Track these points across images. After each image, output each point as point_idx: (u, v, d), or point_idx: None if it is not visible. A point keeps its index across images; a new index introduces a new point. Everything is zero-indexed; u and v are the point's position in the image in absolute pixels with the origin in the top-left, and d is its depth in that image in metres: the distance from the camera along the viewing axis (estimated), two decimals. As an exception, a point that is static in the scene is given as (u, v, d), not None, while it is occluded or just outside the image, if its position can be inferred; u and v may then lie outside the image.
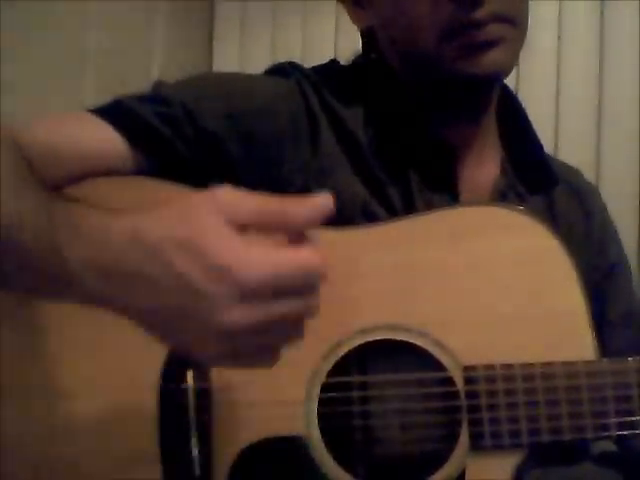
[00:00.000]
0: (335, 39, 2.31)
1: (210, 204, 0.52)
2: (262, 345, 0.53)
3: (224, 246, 0.50)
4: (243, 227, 0.51)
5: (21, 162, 0.63)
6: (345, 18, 0.88)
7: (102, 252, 0.54)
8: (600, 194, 0.94)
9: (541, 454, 0.70)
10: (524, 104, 0.89)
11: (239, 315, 0.50)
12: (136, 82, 0.84)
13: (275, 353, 0.55)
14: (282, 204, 0.53)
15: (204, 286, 0.50)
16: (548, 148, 0.88)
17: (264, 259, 0.50)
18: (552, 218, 0.84)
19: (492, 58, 0.74)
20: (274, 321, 0.51)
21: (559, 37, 2.09)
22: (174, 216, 0.53)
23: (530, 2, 0.78)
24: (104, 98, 0.77)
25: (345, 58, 0.88)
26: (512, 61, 0.76)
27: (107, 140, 0.73)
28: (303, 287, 0.52)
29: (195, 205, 0.52)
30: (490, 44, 0.73)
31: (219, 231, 0.51)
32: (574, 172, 0.93)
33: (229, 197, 0.52)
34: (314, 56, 0.89)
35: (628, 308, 0.87)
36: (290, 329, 0.54)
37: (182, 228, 0.51)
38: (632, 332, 0.85)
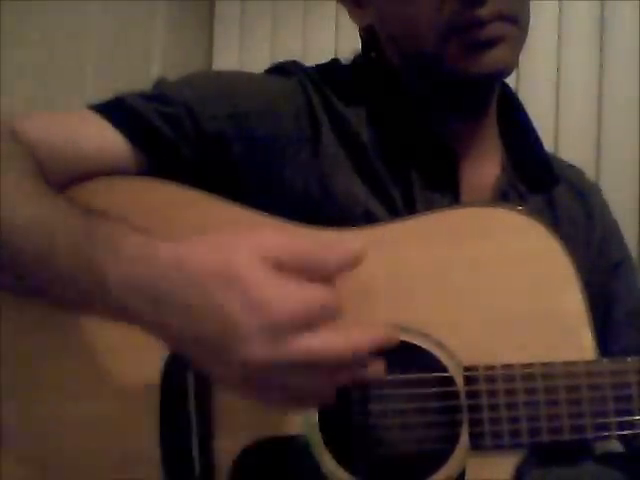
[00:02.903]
0: (335, 39, 2.31)
1: (252, 243, 0.56)
2: (282, 387, 0.56)
3: (262, 282, 0.55)
4: (279, 266, 0.56)
5: (41, 179, 0.66)
6: (345, 18, 0.87)
7: (145, 272, 0.57)
8: (602, 192, 0.93)
9: (541, 454, 0.70)
10: (524, 104, 0.88)
11: (264, 351, 0.54)
12: (136, 82, 0.83)
13: (296, 401, 0.58)
14: (317, 250, 0.58)
15: (240, 318, 0.54)
16: (548, 147, 0.88)
17: (298, 295, 0.55)
18: (554, 217, 0.84)
19: (495, 56, 0.74)
20: (297, 364, 0.55)
21: (559, 37, 2.09)
22: (218, 251, 0.56)
23: (530, 2, 0.78)
24: (104, 98, 0.77)
25: (345, 58, 0.88)
26: (514, 59, 0.76)
27: (108, 140, 0.73)
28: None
29: (238, 243, 0.57)
30: (493, 42, 0.74)
31: (258, 268, 0.55)
32: (575, 171, 0.93)
33: (271, 239, 0.57)
34: (314, 56, 0.89)
35: (633, 306, 0.87)
36: (314, 383, 0.56)
37: (225, 263, 0.55)
38: (638, 331, 0.85)
